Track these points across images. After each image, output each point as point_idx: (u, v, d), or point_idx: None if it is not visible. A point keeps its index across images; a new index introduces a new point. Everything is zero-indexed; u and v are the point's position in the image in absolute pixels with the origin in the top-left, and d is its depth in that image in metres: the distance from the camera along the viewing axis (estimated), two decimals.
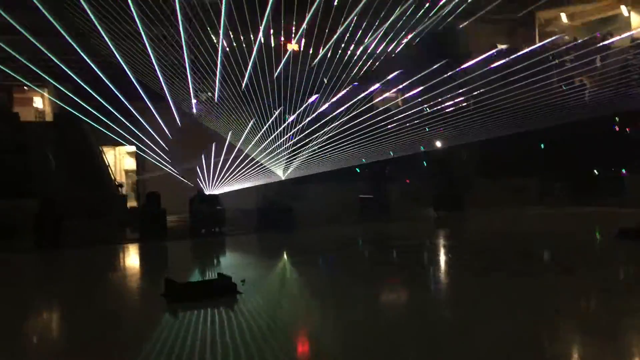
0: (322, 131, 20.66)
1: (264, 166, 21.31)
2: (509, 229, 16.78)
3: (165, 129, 19.68)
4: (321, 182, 22.03)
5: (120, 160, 25.14)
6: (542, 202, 22.33)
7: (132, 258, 14.38)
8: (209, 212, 17.33)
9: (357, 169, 24.05)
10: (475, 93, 21.69)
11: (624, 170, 23.64)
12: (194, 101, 20.19)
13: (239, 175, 20.92)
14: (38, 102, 27.22)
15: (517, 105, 20.34)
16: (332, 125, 20.72)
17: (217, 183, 20.72)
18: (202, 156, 20.36)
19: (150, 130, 19.63)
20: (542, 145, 23.55)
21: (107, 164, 22.35)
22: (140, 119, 19.18)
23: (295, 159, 21.25)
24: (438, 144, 24.15)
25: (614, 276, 10.03)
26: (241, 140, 20.44)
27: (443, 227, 18.12)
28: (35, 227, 14.58)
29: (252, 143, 20.60)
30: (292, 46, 22.30)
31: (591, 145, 22.77)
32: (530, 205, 21.64)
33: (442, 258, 12.72)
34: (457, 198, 20.58)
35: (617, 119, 24.60)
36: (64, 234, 15.25)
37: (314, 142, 20.76)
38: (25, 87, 26.90)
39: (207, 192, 19.18)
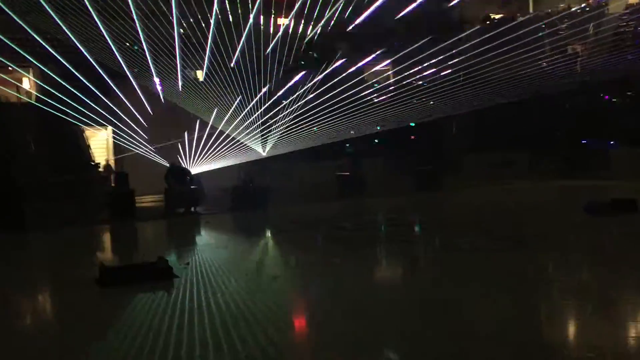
0: (301, 103, 20.22)
1: (244, 144, 20.99)
2: (481, 204, 16.40)
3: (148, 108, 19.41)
4: (303, 160, 21.61)
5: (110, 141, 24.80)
6: (530, 176, 21.73)
7: (85, 241, 13.84)
8: (179, 190, 16.89)
9: (347, 145, 23.66)
10: (466, 64, 21.15)
11: (612, 142, 22.93)
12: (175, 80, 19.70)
13: (219, 154, 20.61)
14: (24, 84, 27.00)
15: (508, 75, 19.83)
16: (312, 97, 20.26)
17: (197, 161, 20.43)
18: (183, 134, 20.05)
19: (129, 109, 19.34)
20: (532, 117, 22.77)
21: (88, 145, 22.06)
22: (123, 98, 18.93)
23: (273, 134, 20.86)
24: (425, 117, 23.58)
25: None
26: (224, 119, 20.08)
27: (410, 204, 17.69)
28: None
29: (233, 121, 20.25)
30: (283, 21, 21.83)
31: (583, 116, 22.13)
32: (518, 179, 21.08)
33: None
34: (433, 175, 20.07)
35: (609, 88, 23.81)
36: (31, 216, 15.03)
37: (293, 116, 20.33)
38: (9, 68, 26.74)
39: (183, 167, 18.67)
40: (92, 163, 21.17)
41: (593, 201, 12.55)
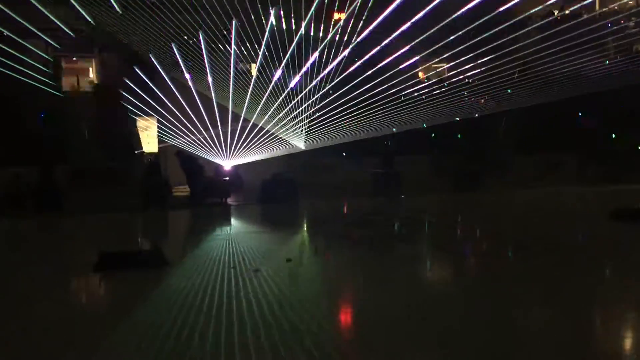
0: (346, 98, 20.05)
1: (285, 137, 21.17)
2: (519, 207, 15.65)
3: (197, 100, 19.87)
4: (343, 156, 21.56)
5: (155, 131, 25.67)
6: (578, 180, 20.68)
7: (107, 227, 14.07)
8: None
9: (387, 142, 23.37)
10: (523, 61, 20.42)
11: None
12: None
13: (259, 146, 20.88)
14: (87, 73, 28.36)
15: (566, 73, 19.03)
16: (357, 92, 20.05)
17: (236, 153, 20.80)
18: (222, 126, 20.39)
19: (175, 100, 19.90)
20: (583, 117, 21.70)
21: (137, 134, 22.94)
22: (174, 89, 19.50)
23: (315, 128, 20.88)
24: (474, 114, 22.93)
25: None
26: (267, 113, 20.30)
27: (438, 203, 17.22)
28: (35, 194, 15.14)
29: (277, 114, 20.42)
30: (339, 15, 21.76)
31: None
32: (564, 183, 20.08)
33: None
34: (473, 174, 19.43)
35: None
36: (71, 202, 15.86)
37: (335, 111, 20.24)
38: (74, 58, 28.18)
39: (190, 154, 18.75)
40: (137, 151, 21.97)
41: (620, 208, 11.80)
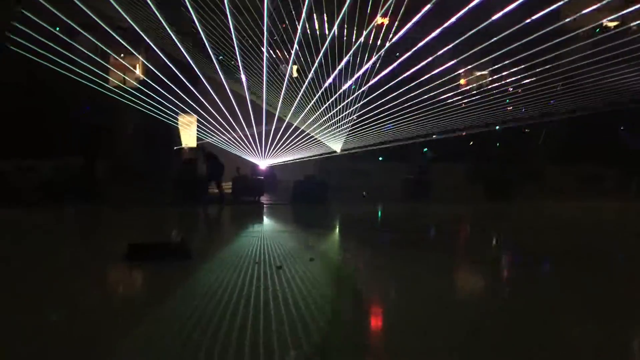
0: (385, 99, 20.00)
1: (320, 139, 21.29)
2: (543, 220, 15.35)
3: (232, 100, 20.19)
4: (377, 160, 21.57)
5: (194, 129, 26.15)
6: (617, 195, 20.10)
7: (141, 220, 14.47)
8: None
9: (424, 149, 23.25)
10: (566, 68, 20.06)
11: None
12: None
13: (295, 147, 21.08)
14: (134, 69, 29.13)
15: (613, 84, 18.65)
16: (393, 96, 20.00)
17: (272, 153, 21.07)
18: (257, 126, 20.66)
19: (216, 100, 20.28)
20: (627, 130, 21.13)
21: (178, 131, 23.42)
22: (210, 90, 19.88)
23: (349, 132, 20.95)
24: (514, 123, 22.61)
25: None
26: (303, 114, 20.48)
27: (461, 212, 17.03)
28: (78, 186, 15.72)
29: (314, 117, 20.59)
30: (380, 20, 21.79)
31: None
32: (602, 197, 19.57)
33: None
34: (505, 184, 19.15)
35: None
36: (111, 195, 16.42)
37: (371, 115, 20.25)
38: (121, 55, 28.98)
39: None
40: (177, 148, 22.46)
41: None
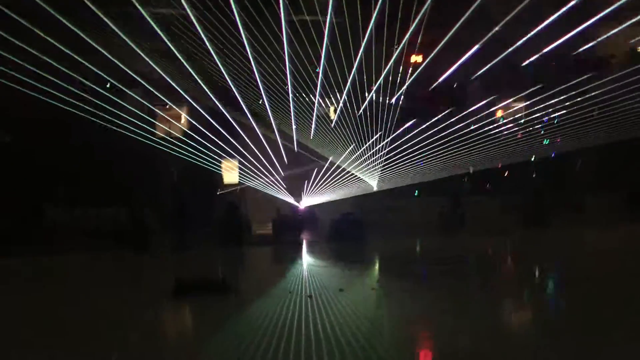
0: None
1: (358, 177, 21.82)
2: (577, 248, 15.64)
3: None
4: (413, 195, 21.94)
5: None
6: None
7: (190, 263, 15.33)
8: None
9: (463, 179, 23.42)
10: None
11: None
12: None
13: (333, 187, 21.68)
14: (178, 120, 30.51)
15: None
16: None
17: (313, 192, 21.72)
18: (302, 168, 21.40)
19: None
20: None
21: (220, 176, 24.36)
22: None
23: (385, 169, 21.41)
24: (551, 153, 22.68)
25: None
26: (341, 154, 21.13)
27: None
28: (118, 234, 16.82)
29: (350, 156, 21.19)
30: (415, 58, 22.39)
31: None
32: None
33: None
34: (541, 211, 19.22)
35: None
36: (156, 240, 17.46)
37: (406, 152, 20.72)
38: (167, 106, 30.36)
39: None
40: (219, 192, 23.38)
41: None
